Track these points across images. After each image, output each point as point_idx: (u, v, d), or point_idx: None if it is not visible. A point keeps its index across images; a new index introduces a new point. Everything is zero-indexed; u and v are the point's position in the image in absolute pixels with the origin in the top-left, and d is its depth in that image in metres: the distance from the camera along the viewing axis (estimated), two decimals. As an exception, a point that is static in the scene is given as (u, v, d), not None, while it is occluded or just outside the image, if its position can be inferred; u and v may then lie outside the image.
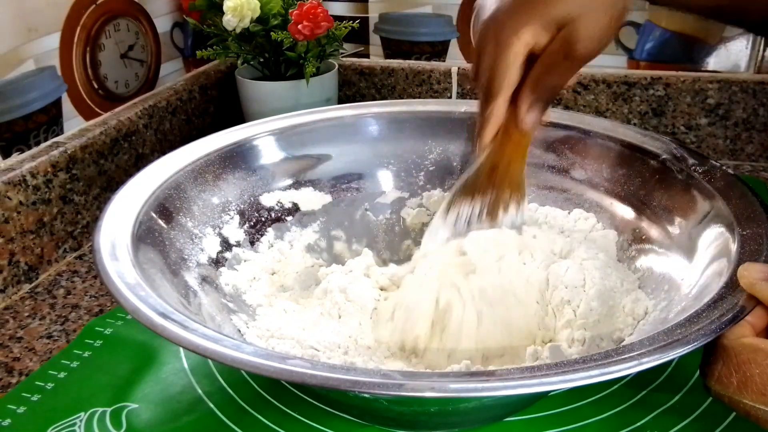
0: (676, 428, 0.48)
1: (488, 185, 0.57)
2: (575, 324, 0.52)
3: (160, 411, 0.51)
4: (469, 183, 0.58)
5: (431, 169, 0.69)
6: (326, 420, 0.49)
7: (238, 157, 0.64)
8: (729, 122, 0.89)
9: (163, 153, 0.62)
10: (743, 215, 0.50)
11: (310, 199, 0.67)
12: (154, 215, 0.55)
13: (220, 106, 1.00)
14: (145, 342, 0.57)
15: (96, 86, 0.83)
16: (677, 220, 0.56)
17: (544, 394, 0.49)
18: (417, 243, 0.67)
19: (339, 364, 0.48)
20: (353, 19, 0.89)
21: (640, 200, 0.60)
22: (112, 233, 0.50)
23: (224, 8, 0.83)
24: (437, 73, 0.97)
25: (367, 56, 1.04)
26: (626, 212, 0.61)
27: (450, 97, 0.97)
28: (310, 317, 0.55)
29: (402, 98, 0.98)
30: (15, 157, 0.71)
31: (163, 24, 0.94)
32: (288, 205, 0.66)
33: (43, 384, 0.54)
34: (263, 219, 0.64)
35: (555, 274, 0.55)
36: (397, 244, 0.68)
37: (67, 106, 0.79)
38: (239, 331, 0.53)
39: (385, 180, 0.69)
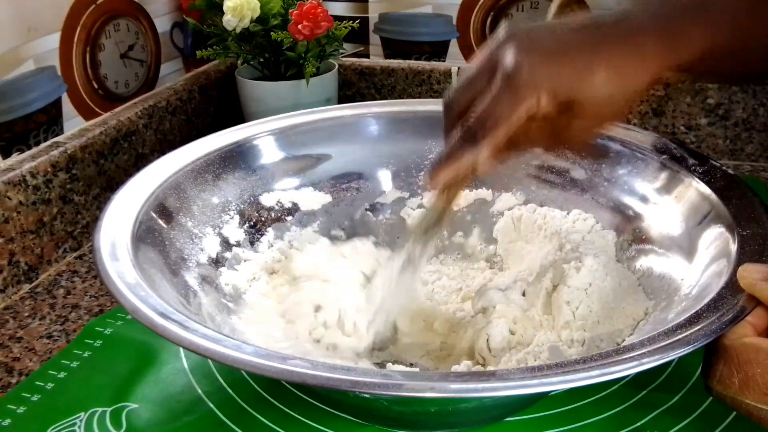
0: (676, 428, 0.48)
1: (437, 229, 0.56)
2: (574, 325, 0.53)
3: (160, 411, 0.51)
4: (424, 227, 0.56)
5: (431, 169, 0.69)
6: (326, 420, 0.49)
7: (238, 157, 0.64)
8: (729, 122, 0.89)
9: (163, 153, 0.62)
10: (743, 215, 0.50)
11: (310, 198, 0.67)
12: (154, 215, 0.55)
13: (220, 106, 1.00)
14: (145, 342, 0.57)
15: (96, 86, 0.83)
16: (677, 220, 0.56)
17: (544, 395, 0.49)
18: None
19: (339, 364, 0.47)
20: (353, 19, 0.89)
21: (639, 200, 0.60)
22: (112, 233, 0.50)
23: (224, 8, 0.83)
24: (437, 73, 0.97)
25: (367, 56, 1.04)
26: (626, 212, 0.61)
27: (450, 97, 0.97)
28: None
29: (402, 98, 0.98)
30: (15, 157, 0.71)
31: (163, 24, 0.94)
32: (288, 204, 0.66)
33: (43, 384, 0.54)
34: (263, 219, 0.64)
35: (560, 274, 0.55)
36: (398, 244, 0.68)
37: (67, 106, 0.79)
38: (238, 330, 0.53)
39: (385, 180, 0.69)
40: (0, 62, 0.69)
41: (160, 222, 0.55)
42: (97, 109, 0.83)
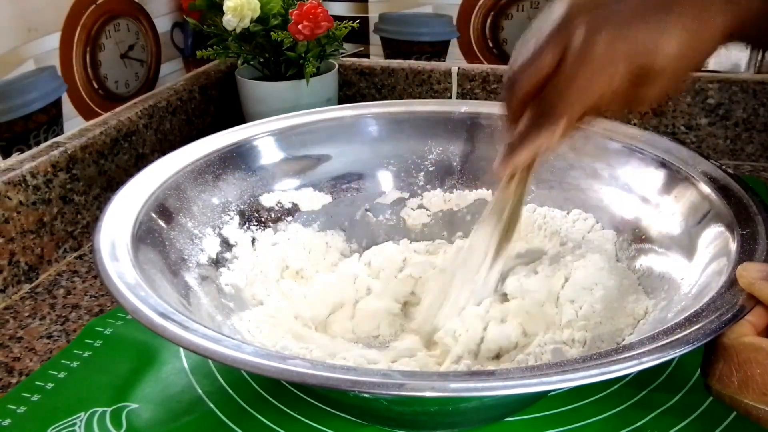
0: (676, 428, 0.48)
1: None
2: (576, 324, 0.53)
3: (160, 411, 0.51)
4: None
5: (431, 169, 0.69)
6: (326, 420, 0.49)
7: (238, 158, 0.64)
8: (729, 122, 0.89)
9: (163, 153, 0.62)
10: (743, 215, 0.50)
11: (310, 199, 0.67)
12: (154, 215, 0.55)
13: (220, 106, 1.00)
14: (145, 342, 0.57)
15: (96, 86, 0.83)
16: (677, 219, 0.56)
17: (544, 394, 0.49)
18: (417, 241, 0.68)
19: (339, 364, 0.48)
20: (353, 19, 0.89)
21: (639, 200, 0.60)
22: (112, 233, 0.50)
23: (224, 8, 0.83)
24: (437, 73, 0.97)
25: (367, 56, 1.04)
26: (626, 212, 0.61)
27: (450, 97, 0.97)
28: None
29: (402, 98, 0.98)
30: (15, 157, 0.71)
31: (163, 24, 0.94)
32: (288, 205, 0.66)
33: (43, 384, 0.54)
34: (263, 219, 0.64)
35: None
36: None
37: (67, 106, 0.79)
38: (239, 330, 0.53)
39: (385, 180, 0.69)
40: (0, 62, 0.69)
41: (160, 222, 0.55)
42: (97, 109, 0.83)
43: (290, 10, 0.84)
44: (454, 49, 1.00)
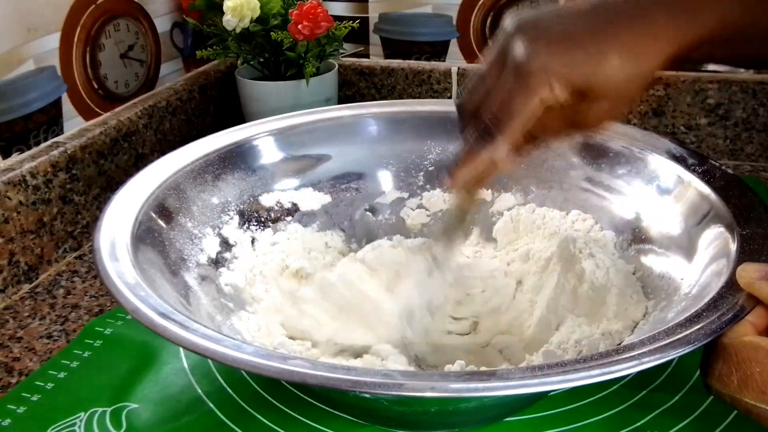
0: (676, 428, 0.48)
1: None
2: (576, 325, 0.53)
3: (160, 411, 0.51)
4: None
5: (431, 169, 0.69)
6: (326, 420, 0.49)
7: (237, 158, 0.64)
8: (729, 122, 0.89)
9: (163, 153, 0.62)
10: (742, 215, 0.50)
11: (310, 199, 0.67)
12: (153, 215, 0.55)
13: (220, 106, 1.00)
14: (145, 342, 0.57)
15: (96, 86, 0.83)
16: (677, 220, 0.56)
17: (544, 394, 0.49)
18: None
19: (339, 364, 0.48)
20: (353, 19, 0.89)
21: (639, 200, 0.60)
22: (111, 233, 0.50)
23: (224, 8, 0.83)
24: (437, 73, 0.97)
25: (367, 56, 1.04)
26: (625, 212, 0.61)
27: (450, 97, 0.97)
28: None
29: (402, 98, 0.98)
30: (15, 157, 0.71)
31: (163, 24, 0.94)
32: (287, 205, 0.66)
33: (43, 384, 0.54)
34: (263, 219, 0.64)
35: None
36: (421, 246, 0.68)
37: (67, 106, 0.79)
38: (238, 330, 0.53)
39: (385, 180, 0.69)
40: (0, 62, 0.69)
41: (160, 222, 0.55)
42: (97, 109, 0.83)
43: (290, 10, 0.84)
44: (454, 49, 1.00)
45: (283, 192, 0.66)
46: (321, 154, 0.68)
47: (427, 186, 0.69)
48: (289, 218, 0.65)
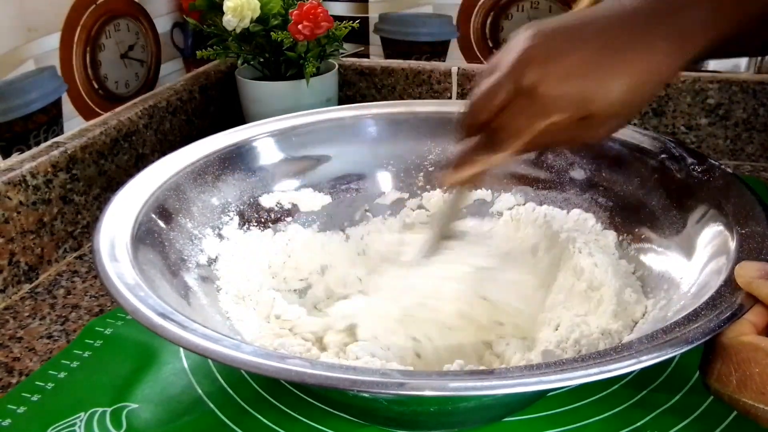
0: (676, 428, 0.48)
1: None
2: (576, 325, 0.53)
3: (160, 411, 0.51)
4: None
5: (431, 169, 0.69)
6: (326, 420, 0.49)
7: (237, 158, 0.64)
8: (729, 122, 0.89)
9: (163, 153, 0.62)
10: (742, 214, 0.50)
11: (310, 200, 0.67)
12: (153, 216, 0.55)
13: (220, 106, 1.00)
14: (145, 342, 0.57)
15: (96, 86, 0.83)
16: (676, 219, 0.56)
17: (543, 393, 0.49)
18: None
19: (338, 363, 0.48)
20: (353, 19, 0.89)
21: (639, 200, 0.60)
22: (111, 234, 0.50)
23: (224, 8, 0.83)
24: (437, 73, 0.97)
25: (367, 56, 1.04)
26: (625, 212, 0.61)
27: (450, 98, 0.97)
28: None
29: (402, 98, 0.98)
30: (15, 157, 0.71)
31: (163, 24, 0.94)
32: (288, 206, 0.66)
33: (43, 384, 0.54)
34: (263, 220, 0.64)
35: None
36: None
37: (67, 106, 0.79)
38: (238, 330, 0.53)
39: (385, 181, 0.69)
40: (0, 62, 0.69)
41: (160, 223, 0.55)
42: (97, 109, 0.83)
43: (290, 10, 0.84)
44: (454, 49, 1.00)
45: (283, 193, 0.66)
46: (321, 155, 0.68)
47: (427, 186, 0.69)
48: (289, 219, 0.65)
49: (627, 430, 0.48)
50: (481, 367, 0.51)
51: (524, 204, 0.67)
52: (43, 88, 0.75)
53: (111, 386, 0.53)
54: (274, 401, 0.51)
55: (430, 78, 0.97)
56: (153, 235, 0.53)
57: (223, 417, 0.50)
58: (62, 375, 0.55)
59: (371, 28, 1.02)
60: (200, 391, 0.52)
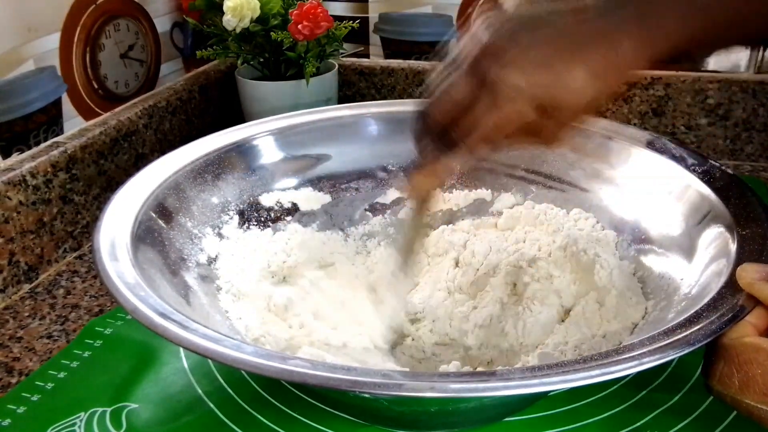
0: (676, 428, 0.48)
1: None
2: (578, 325, 0.53)
3: (160, 411, 0.51)
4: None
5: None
6: (326, 420, 0.49)
7: (237, 157, 0.64)
8: (729, 122, 0.89)
9: (163, 153, 0.62)
10: (742, 215, 0.50)
11: (310, 199, 0.67)
12: (153, 215, 0.55)
13: (220, 106, 1.00)
14: (145, 342, 0.57)
15: (96, 86, 0.83)
16: (677, 219, 0.56)
17: (544, 394, 0.49)
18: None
19: (339, 364, 0.47)
20: (353, 19, 0.89)
21: (639, 200, 0.60)
22: (111, 233, 0.50)
23: (224, 8, 0.83)
24: (437, 73, 0.97)
25: (367, 56, 1.04)
26: (625, 212, 0.61)
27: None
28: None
29: (402, 98, 0.98)
30: (15, 157, 0.71)
31: (163, 24, 0.94)
32: (287, 205, 0.66)
33: (43, 384, 0.54)
34: (263, 219, 0.64)
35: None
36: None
37: (67, 106, 0.79)
38: (238, 330, 0.53)
39: (385, 180, 0.69)
40: (0, 62, 0.69)
41: (160, 222, 0.55)
42: (97, 109, 0.83)
43: (290, 10, 0.84)
44: (454, 49, 1.00)
45: (282, 192, 0.66)
46: (321, 154, 0.68)
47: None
48: (288, 218, 0.65)
49: (627, 430, 0.48)
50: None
51: (524, 203, 0.67)
52: (43, 88, 0.75)
53: (111, 386, 0.53)
54: (274, 401, 0.51)
55: (430, 78, 0.97)
56: (153, 234, 0.53)
57: (223, 417, 0.50)
58: (62, 375, 0.55)
59: (371, 28, 1.02)
60: (200, 391, 0.52)
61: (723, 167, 0.56)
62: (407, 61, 1.00)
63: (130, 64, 0.89)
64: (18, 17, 0.71)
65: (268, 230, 0.63)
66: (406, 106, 0.72)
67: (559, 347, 0.51)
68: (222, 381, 0.53)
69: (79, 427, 0.50)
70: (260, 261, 0.61)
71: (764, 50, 0.87)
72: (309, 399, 0.51)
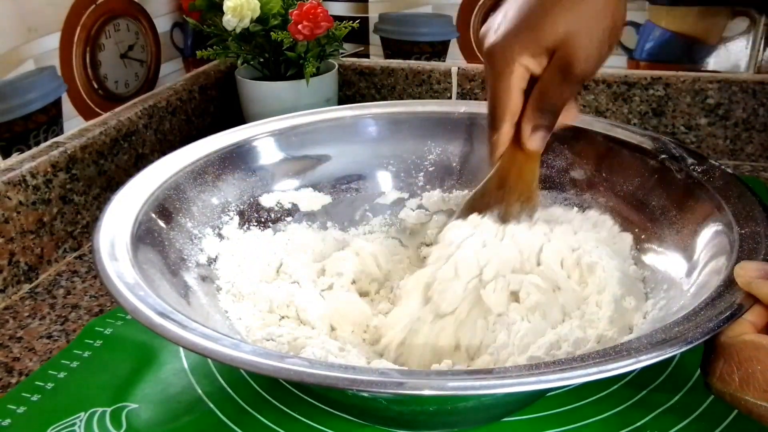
0: (676, 428, 0.48)
1: (497, 200, 0.58)
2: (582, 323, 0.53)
3: (160, 411, 0.51)
4: (476, 198, 0.59)
5: (431, 169, 0.69)
6: (326, 420, 0.50)
7: (237, 158, 0.64)
8: (729, 122, 0.89)
9: (163, 153, 0.62)
10: (741, 214, 0.50)
11: (310, 199, 0.67)
12: (153, 215, 0.55)
13: (220, 106, 1.00)
14: (145, 342, 0.57)
15: (96, 86, 0.83)
16: (676, 219, 0.56)
17: (543, 393, 0.49)
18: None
19: (338, 363, 0.48)
20: (353, 19, 0.89)
21: (639, 200, 0.60)
22: (111, 233, 0.50)
23: (224, 8, 0.83)
24: (437, 73, 0.97)
25: (367, 56, 1.04)
26: (625, 212, 0.61)
27: (450, 97, 0.97)
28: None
29: (402, 98, 0.98)
30: (15, 157, 0.71)
31: (163, 24, 0.94)
32: (288, 205, 0.66)
33: (43, 384, 0.54)
34: (263, 220, 0.64)
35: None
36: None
37: (67, 106, 0.79)
38: (238, 330, 0.53)
39: (385, 181, 0.69)
40: (0, 62, 0.69)
41: (160, 222, 0.55)
42: (97, 109, 0.83)
43: (290, 10, 0.84)
44: (454, 49, 1.00)
45: (283, 192, 0.66)
46: (321, 155, 0.68)
47: (427, 186, 0.69)
48: (289, 219, 0.65)
49: (627, 430, 0.48)
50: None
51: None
52: (42, 88, 0.75)
53: (111, 386, 0.53)
54: (274, 401, 0.51)
55: (430, 78, 0.97)
56: (153, 234, 0.53)
57: (223, 417, 0.50)
58: (62, 375, 0.55)
59: (371, 28, 1.02)
60: (200, 391, 0.52)
61: (722, 167, 0.56)
62: (407, 61, 1.00)
63: (130, 64, 0.89)
64: (18, 17, 0.71)
65: (269, 231, 0.63)
66: (406, 107, 0.72)
67: (552, 351, 0.51)
68: (222, 381, 0.53)
69: (79, 427, 0.50)
70: (260, 261, 0.61)
71: (764, 49, 0.87)
72: (309, 399, 0.51)
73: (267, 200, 0.65)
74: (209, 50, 0.87)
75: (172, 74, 0.98)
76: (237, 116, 0.93)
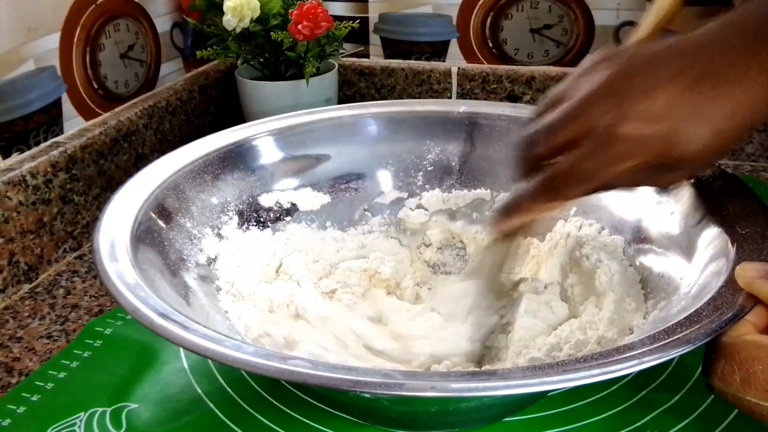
0: (676, 428, 0.48)
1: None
2: (584, 323, 0.53)
3: (159, 411, 0.51)
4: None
5: (430, 169, 0.69)
6: (326, 420, 0.49)
7: (236, 158, 0.64)
8: (728, 122, 0.89)
9: (163, 153, 0.62)
10: (742, 214, 0.50)
11: (309, 199, 0.66)
12: (153, 215, 0.55)
13: (220, 106, 1.00)
14: (145, 342, 0.57)
15: (96, 86, 0.83)
16: (676, 219, 0.56)
17: (544, 394, 0.49)
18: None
19: (340, 364, 0.47)
20: (353, 19, 0.89)
21: (639, 200, 0.60)
22: (111, 233, 0.50)
23: (224, 8, 0.83)
24: (437, 73, 0.97)
25: (367, 56, 1.04)
26: (625, 212, 0.61)
27: (450, 97, 0.97)
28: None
29: (402, 98, 0.98)
30: (15, 157, 0.71)
31: (163, 24, 0.94)
32: (287, 205, 0.66)
33: (43, 384, 0.54)
34: (262, 219, 0.64)
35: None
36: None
37: (67, 106, 0.79)
38: (238, 330, 0.53)
39: (384, 180, 0.69)
40: (0, 62, 0.69)
41: (160, 222, 0.55)
42: (97, 109, 0.83)
43: (290, 10, 0.84)
44: (454, 49, 1.00)
45: (282, 192, 0.66)
46: (320, 154, 0.68)
47: (427, 186, 0.69)
48: (288, 218, 0.65)
49: (627, 430, 0.48)
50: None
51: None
52: (43, 88, 0.75)
53: (111, 386, 0.53)
54: (274, 401, 0.51)
55: (430, 78, 0.97)
56: (152, 234, 0.53)
57: (222, 417, 0.50)
58: (62, 375, 0.55)
59: (371, 28, 1.02)
60: (200, 391, 0.52)
61: (722, 167, 0.56)
62: (407, 61, 1.00)
63: (130, 64, 0.89)
64: (18, 17, 0.71)
65: (268, 230, 0.63)
66: (405, 106, 0.72)
67: (553, 353, 0.51)
68: (222, 381, 0.53)
69: (79, 427, 0.50)
70: (260, 261, 0.61)
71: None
72: (309, 399, 0.51)
73: (266, 200, 0.65)
74: (209, 50, 0.87)
75: (172, 74, 0.97)
76: (237, 116, 0.93)
